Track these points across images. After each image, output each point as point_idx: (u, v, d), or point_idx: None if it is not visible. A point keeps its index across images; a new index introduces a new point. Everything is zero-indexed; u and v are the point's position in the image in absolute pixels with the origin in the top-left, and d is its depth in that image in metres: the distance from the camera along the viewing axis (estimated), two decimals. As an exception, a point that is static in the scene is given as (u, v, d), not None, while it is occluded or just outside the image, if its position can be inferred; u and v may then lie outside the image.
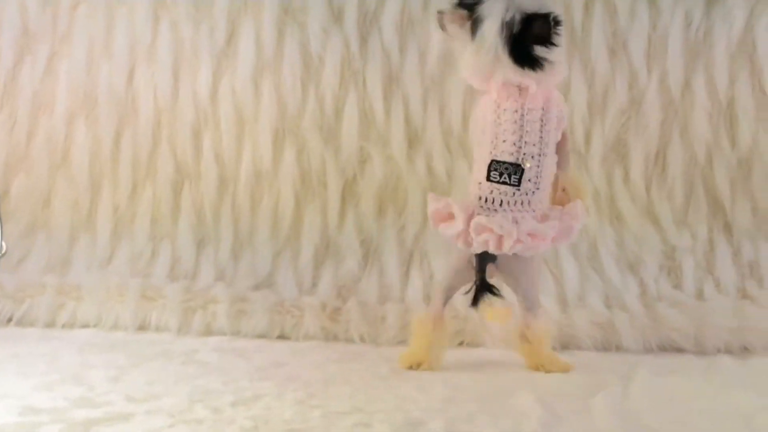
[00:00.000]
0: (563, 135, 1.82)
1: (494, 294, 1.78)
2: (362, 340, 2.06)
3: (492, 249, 1.73)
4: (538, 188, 1.76)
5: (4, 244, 1.90)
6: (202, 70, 2.38)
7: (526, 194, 1.75)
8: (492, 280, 1.79)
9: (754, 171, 2.34)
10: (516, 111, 1.75)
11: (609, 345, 2.04)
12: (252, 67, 2.37)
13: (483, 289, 1.78)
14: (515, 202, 1.75)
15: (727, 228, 2.31)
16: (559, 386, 1.75)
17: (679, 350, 2.02)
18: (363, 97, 2.37)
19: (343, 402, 1.62)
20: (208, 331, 2.10)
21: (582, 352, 2.01)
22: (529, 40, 1.71)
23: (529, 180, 1.75)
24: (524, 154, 1.75)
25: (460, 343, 2.05)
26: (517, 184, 1.74)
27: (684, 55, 2.35)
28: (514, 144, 1.75)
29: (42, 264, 2.27)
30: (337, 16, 2.38)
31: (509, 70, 1.73)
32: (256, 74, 2.37)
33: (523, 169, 1.74)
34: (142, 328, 2.12)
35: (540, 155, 1.75)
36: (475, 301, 1.78)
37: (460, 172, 2.33)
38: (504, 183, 1.74)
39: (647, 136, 2.35)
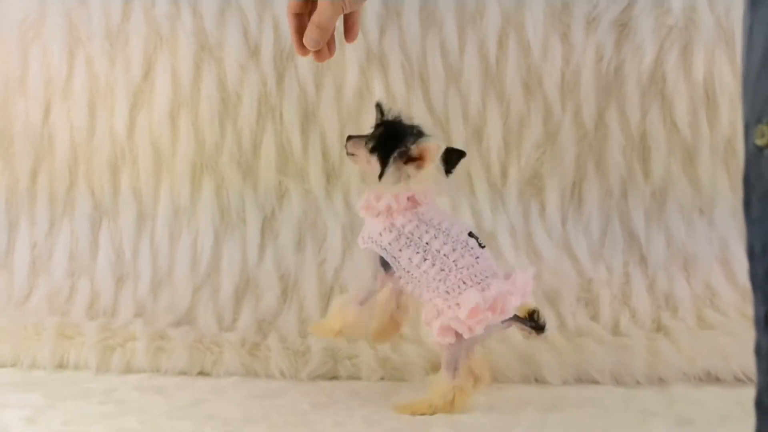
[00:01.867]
0: None
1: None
2: (282, 375, 2.05)
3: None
4: None
5: None
6: (119, 106, 2.37)
7: None
8: None
9: (667, 203, 2.38)
10: None
11: (528, 378, 2.05)
12: (169, 103, 2.37)
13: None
14: None
15: (642, 260, 2.34)
16: (479, 420, 1.76)
17: (596, 382, 2.04)
18: (280, 132, 2.38)
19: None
20: (127, 369, 2.08)
21: (503, 385, 2.02)
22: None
23: None
24: None
25: (381, 378, 2.05)
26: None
27: (597, 90, 2.39)
28: None
29: (-44, 302, 2.24)
30: (253, 51, 2.38)
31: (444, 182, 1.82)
32: (173, 109, 2.37)
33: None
34: (60, 366, 2.09)
35: None
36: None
37: (378, 207, 2.34)
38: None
39: (563, 169, 2.38)
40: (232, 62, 2.37)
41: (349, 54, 2.37)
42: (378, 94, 2.36)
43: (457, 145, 2.31)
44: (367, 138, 1.81)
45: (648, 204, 2.39)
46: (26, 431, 1.66)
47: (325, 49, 1.52)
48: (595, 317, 2.26)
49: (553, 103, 2.39)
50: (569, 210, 2.39)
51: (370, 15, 2.36)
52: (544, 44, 2.38)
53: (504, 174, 2.39)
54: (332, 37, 1.52)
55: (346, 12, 1.48)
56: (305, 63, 2.37)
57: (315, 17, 1.45)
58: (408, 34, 2.38)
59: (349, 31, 1.56)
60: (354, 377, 2.05)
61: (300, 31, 1.50)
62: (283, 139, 2.38)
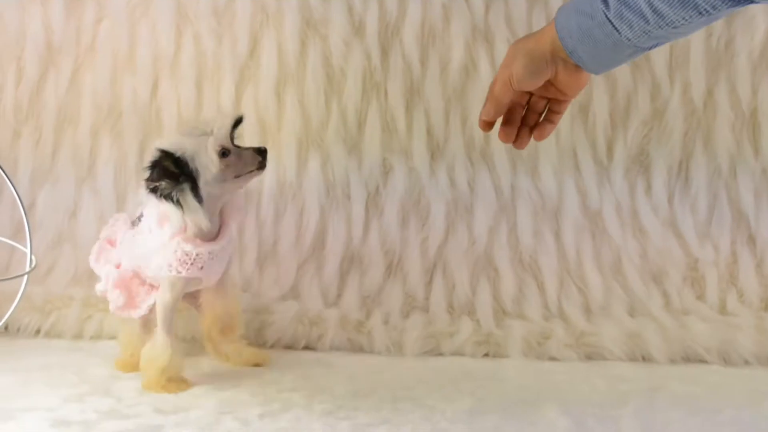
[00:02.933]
0: None
1: None
2: (389, 350, 2.06)
3: None
4: None
5: (34, 257, 1.91)
6: (225, 82, 2.39)
7: None
8: None
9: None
10: None
11: (635, 355, 2.03)
12: (274, 79, 2.38)
13: None
14: None
15: (751, 239, 2.31)
16: (586, 397, 1.75)
17: (704, 361, 2.02)
18: (385, 109, 2.38)
19: (371, 413, 1.63)
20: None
21: (608, 363, 2.01)
22: None
23: None
24: None
25: (485, 355, 2.05)
26: None
27: (706, 66, 2.35)
28: None
29: (68, 276, 2.28)
30: (357, 28, 2.39)
31: None
32: (279, 86, 2.38)
33: None
34: (168, 339, 2.12)
35: None
36: None
37: (482, 184, 2.33)
38: None
39: (670, 147, 2.35)
40: (336, 38, 2.37)
41: (454, 29, 2.36)
42: (483, 70, 2.35)
43: (563, 120, 2.32)
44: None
45: (758, 182, 2.34)
46: (140, 402, 1.68)
47: (523, 136, 1.48)
48: (701, 297, 2.24)
49: (661, 80, 2.36)
50: (676, 188, 2.36)
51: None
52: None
53: (610, 151, 2.37)
54: (525, 125, 1.48)
55: (515, 89, 1.39)
56: (410, 39, 2.37)
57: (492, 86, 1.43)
58: (514, 9, 2.37)
59: (539, 127, 1.48)
60: (457, 353, 2.05)
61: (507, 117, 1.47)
62: (388, 116, 2.38)
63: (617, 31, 1.26)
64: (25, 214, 1.89)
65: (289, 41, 2.38)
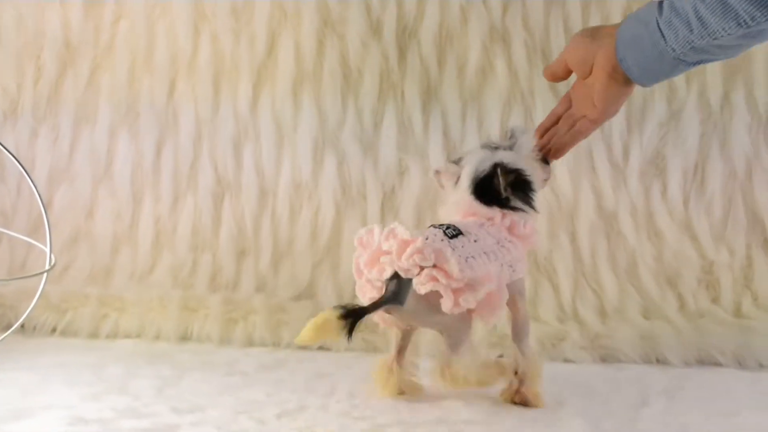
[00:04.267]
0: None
1: None
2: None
3: None
4: None
5: (53, 256, 1.92)
6: (242, 82, 2.40)
7: None
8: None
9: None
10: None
11: (650, 358, 2.03)
12: (292, 79, 2.38)
13: None
14: None
15: (766, 243, 2.31)
16: (602, 399, 1.75)
17: (719, 364, 2.02)
18: (401, 110, 2.38)
19: (387, 414, 1.63)
20: (249, 342, 2.11)
21: (623, 365, 2.01)
22: (495, 183, 1.70)
23: None
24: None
25: (500, 356, 2.05)
26: None
27: (723, 68, 2.35)
28: None
29: (85, 275, 2.29)
30: (375, 28, 2.39)
31: (475, 205, 1.72)
32: (296, 85, 2.39)
33: None
34: (183, 338, 2.13)
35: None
36: None
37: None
38: None
39: (686, 149, 2.35)
40: (354, 38, 2.38)
41: (471, 31, 2.36)
42: (500, 71, 2.35)
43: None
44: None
45: (774, 185, 2.34)
46: (157, 401, 1.69)
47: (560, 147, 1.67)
48: (716, 300, 2.25)
49: (677, 82, 2.35)
50: (691, 190, 2.36)
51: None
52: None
53: (626, 153, 2.37)
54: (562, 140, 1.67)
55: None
56: (428, 39, 2.37)
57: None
58: (531, 11, 2.37)
59: (560, 141, 1.68)
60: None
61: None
62: (404, 116, 2.38)
63: (664, 38, 1.32)
64: (45, 212, 1.90)
65: (306, 41, 2.38)
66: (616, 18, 2.34)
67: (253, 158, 2.38)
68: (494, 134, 2.28)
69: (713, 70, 2.35)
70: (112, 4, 2.41)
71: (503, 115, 2.36)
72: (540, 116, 2.32)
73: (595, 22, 2.35)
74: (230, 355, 2.04)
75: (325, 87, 2.37)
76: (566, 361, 2.02)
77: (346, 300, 2.20)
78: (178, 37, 2.40)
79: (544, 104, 2.33)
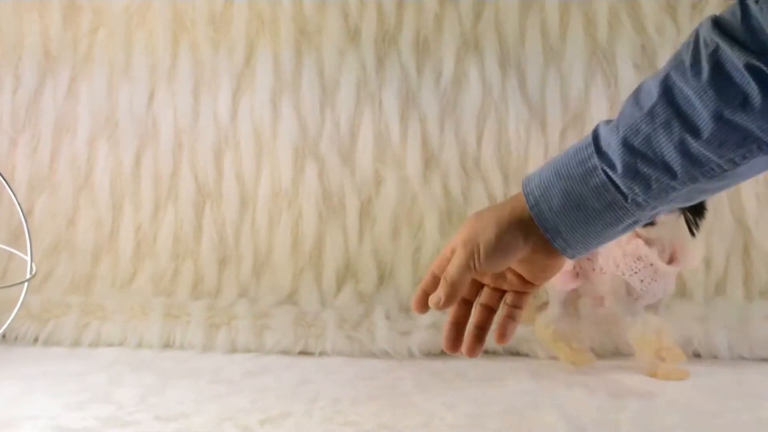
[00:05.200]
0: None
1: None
2: (386, 356, 2.07)
3: None
4: None
5: (34, 265, 1.92)
6: (222, 91, 2.40)
7: None
8: None
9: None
10: None
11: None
12: (270, 88, 2.39)
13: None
14: None
15: (746, 251, 2.31)
16: (585, 401, 1.77)
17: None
18: (378, 119, 2.38)
19: (372, 419, 1.64)
20: (232, 348, 2.11)
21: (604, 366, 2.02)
22: None
23: None
24: None
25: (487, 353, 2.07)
26: None
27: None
28: None
29: (66, 283, 2.29)
30: (353, 36, 2.40)
31: None
32: (275, 94, 2.39)
33: None
34: (166, 346, 2.13)
35: None
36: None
37: (476, 193, 2.34)
38: None
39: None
40: (331, 47, 2.38)
41: (446, 39, 2.37)
42: (473, 80, 2.36)
43: (553, 132, 2.32)
44: None
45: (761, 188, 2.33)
46: (141, 409, 1.69)
47: (474, 342, 1.09)
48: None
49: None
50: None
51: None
52: (658, 23, 2.34)
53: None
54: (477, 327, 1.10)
55: (478, 270, 1.06)
56: (406, 48, 2.38)
57: (447, 268, 1.06)
58: (505, 19, 2.37)
59: (501, 328, 1.10)
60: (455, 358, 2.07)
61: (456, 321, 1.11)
62: (381, 125, 2.38)
63: (622, 195, 0.98)
64: (26, 221, 1.90)
65: (284, 49, 2.39)
66: (602, 20, 2.35)
67: (233, 166, 2.38)
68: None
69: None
70: (90, 13, 2.41)
71: (479, 123, 2.36)
72: (513, 126, 2.34)
73: (575, 25, 2.36)
74: (214, 361, 2.05)
75: (304, 95, 2.38)
76: (550, 362, 2.03)
77: (329, 303, 2.23)
78: (157, 46, 2.41)
79: (517, 113, 2.35)
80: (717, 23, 0.95)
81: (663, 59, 2.33)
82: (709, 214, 2.20)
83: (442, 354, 2.07)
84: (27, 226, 1.90)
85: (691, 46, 0.97)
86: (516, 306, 1.09)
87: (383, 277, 2.31)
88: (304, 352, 2.09)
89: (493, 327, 1.10)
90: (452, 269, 1.04)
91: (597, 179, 0.99)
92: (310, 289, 2.27)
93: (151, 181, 2.40)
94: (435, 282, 1.08)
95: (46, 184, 2.39)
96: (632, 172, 0.97)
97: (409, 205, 2.36)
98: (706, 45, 0.95)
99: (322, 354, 2.08)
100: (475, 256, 1.04)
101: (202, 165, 2.39)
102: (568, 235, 1.02)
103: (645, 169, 0.97)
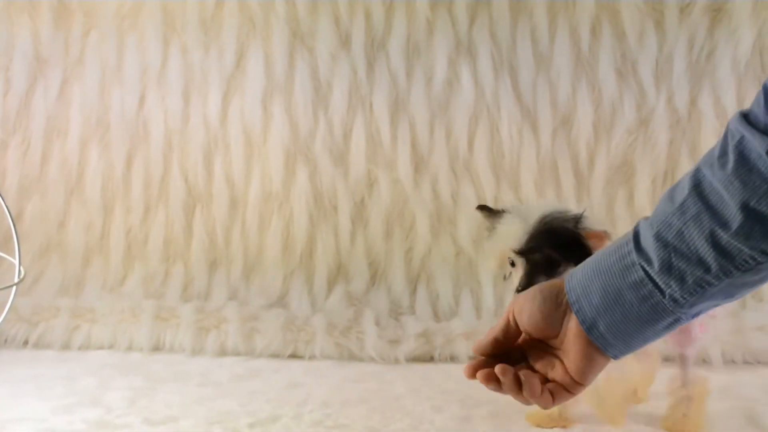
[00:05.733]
0: None
1: None
2: (375, 360, 2.07)
3: None
4: None
5: (22, 269, 1.91)
6: (212, 94, 2.40)
7: None
8: None
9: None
10: None
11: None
12: (261, 90, 2.39)
13: None
14: None
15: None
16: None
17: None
18: (370, 122, 2.39)
19: (360, 423, 1.64)
20: (222, 351, 2.11)
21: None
22: None
23: None
24: None
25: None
26: None
27: (689, 76, 2.36)
28: None
29: (56, 286, 2.29)
30: (344, 40, 2.40)
31: None
32: (266, 97, 2.39)
33: None
34: (156, 348, 2.14)
35: None
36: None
37: (465, 196, 2.34)
38: None
39: (654, 156, 2.36)
40: (323, 51, 2.38)
41: (438, 43, 2.37)
42: (466, 83, 2.36)
43: (544, 133, 2.33)
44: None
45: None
46: (130, 412, 1.69)
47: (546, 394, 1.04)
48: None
49: (647, 89, 2.36)
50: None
51: (459, 3, 2.37)
52: (640, 31, 2.35)
53: (591, 162, 2.37)
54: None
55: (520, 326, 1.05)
56: (396, 52, 2.38)
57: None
58: (498, 23, 2.38)
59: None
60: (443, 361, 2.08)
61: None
62: (373, 128, 2.39)
63: (659, 290, 0.96)
64: (14, 224, 1.89)
65: (276, 53, 2.39)
66: (585, 28, 2.35)
67: (223, 169, 2.39)
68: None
69: (679, 76, 2.36)
70: (81, 16, 2.41)
71: (470, 127, 2.37)
72: (506, 128, 2.34)
73: (563, 32, 2.36)
74: (203, 365, 2.05)
75: (296, 98, 2.38)
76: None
77: (319, 306, 2.23)
78: (147, 49, 2.41)
79: (509, 117, 2.35)
80: (745, 115, 0.94)
81: (643, 65, 2.35)
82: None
83: (430, 360, 2.08)
84: (15, 230, 1.90)
85: (721, 139, 0.95)
86: (553, 393, 1.03)
87: (375, 278, 2.32)
88: (293, 356, 2.10)
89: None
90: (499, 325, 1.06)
91: (635, 275, 0.97)
92: (301, 292, 2.27)
93: (141, 183, 2.40)
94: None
95: (36, 187, 2.39)
96: (667, 267, 0.95)
97: (401, 207, 2.36)
98: (733, 136, 0.94)
99: (311, 358, 2.09)
100: (517, 312, 1.04)
101: (193, 167, 2.40)
102: (607, 332, 0.99)
103: (679, 264, 0.95)
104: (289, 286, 2.29)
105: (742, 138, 0.93)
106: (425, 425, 1.63)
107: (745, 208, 0.92)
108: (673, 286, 0.95)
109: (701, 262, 0.94)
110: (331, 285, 2.29)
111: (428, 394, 1.82)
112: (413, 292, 2.28)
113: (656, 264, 0.95)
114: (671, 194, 0.98)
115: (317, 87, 2.39)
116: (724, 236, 0.93)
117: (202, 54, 2.41)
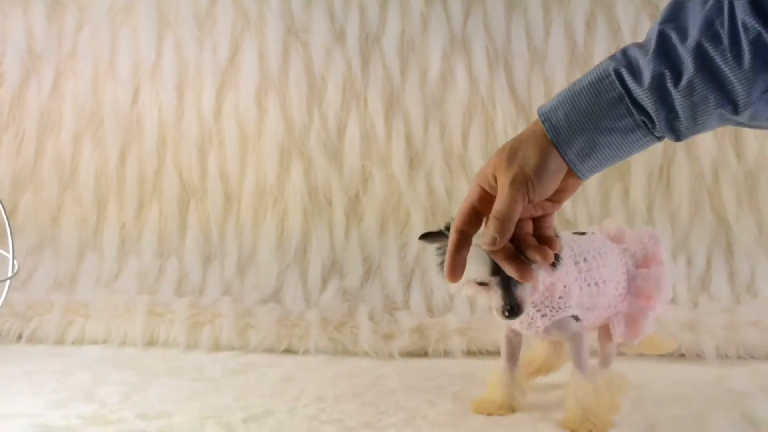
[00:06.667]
0: None
1: None
2: (369, 354, 2.07)
3: None
4: None
5: (16, 263, 1.91)
6: (206, 89, 2.40)
7: None
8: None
9: (760, 184, 2.33)
10: None
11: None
12: (256, 85, 2.39)
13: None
14: None
15: (729, 247, 2.30)
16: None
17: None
18: (364, 117, 2.38)
19: (355, 417, 1.63)
20: (216, 346, 2.11)
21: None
22: None
23: None
24: None
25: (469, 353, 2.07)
26: None
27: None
28: None
29: (50, 281, 2.29)
30: (339, 35, 2.39)
31: None
32: (260, 92, 2.39)
33: None
34: (150, 343, 2.14)
35: None
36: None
37: (460, 191, 2.34)
38: None
39: (650, 151, 2.35)
40: (317, 46, 2.38)
41: (432, 38, 2.37)
42: (461, 79, 2.36)
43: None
44: None
45: (740, 186, 2.33)
46: (124, 407, 1.68)
47: (526, 266, 1.06)
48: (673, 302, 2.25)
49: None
50: (656, 194, 2.35)
51: (454, -2, 2.37)
52: (635, 25, 2.35)
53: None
54: (529, 244, 1.07)
55: (532, 202, 1.05)
56: (391, 47, 2.38)
57: (494, 206, 1.05)
58: (492, 17, 2.38)
59: (544, 249, 1.06)
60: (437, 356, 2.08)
61: (460, 245, 1.09)
62: (367, 123, 2.38)
63: (619, 77, 0.98)
64: (8, 219, 1.89)
65: (270, 47, 2.38)
66: (579, 22, 2.35)
67: (217, 163, 2.38)
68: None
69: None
70: (75, 11, 2.41)
71: (465, 122, 2.36)
72: (501, 123, 2.34)
73: (558, 26, 2.36)
74: (197, 359, 2.05)
75: (291, 93, 2.38)
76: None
77: (314, 302, 2.23)
78: (141, 44, 2.41)
79: (504, 112, 2.34)
80: (755, 5, 0.91)
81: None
82: (690, 211, 2.24)
83: (424, 355, 2.08)
84: (9, 224, 1.90)
85: (727, 21, 0.93)
86: (547, 226, 1.08)
87: (369, 273, 2.31)
88: (287, 351, 2.10)
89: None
90: (503, 206, 1.03)
91: (606, 79, 0.99)
92: (295, 287, 2.27)
93: (135, 178, 2.40)
94: (464, 238, 1.09)
95: (30, 182, 2.39)
96: (636, 67, 0.97)
97: (395, 202, 2.36)
98: (746, 29, 0.91)
99: (305, 353, 2.09)
100: (529, 186, 1.02)
101: (187, 162, 2.39)
102: (564, 121, 1.01)
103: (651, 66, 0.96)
104: (283, 281, 2.29)
105: (759, 35, 0.91)
106: (419, 420, 1.63)
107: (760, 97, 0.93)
108: (631, 80, 0.97)
109: (675, 69, 0.95)
110: (325, 280, 2.29)
111: (422, 388, 1.82)
112: (407, 287, 2.28)
113: (628, 66, 0.98)
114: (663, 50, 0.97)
115: (311, 82, 2.39)
116: (732, 118, 0.95)
117: (196, 49, 2.40)
